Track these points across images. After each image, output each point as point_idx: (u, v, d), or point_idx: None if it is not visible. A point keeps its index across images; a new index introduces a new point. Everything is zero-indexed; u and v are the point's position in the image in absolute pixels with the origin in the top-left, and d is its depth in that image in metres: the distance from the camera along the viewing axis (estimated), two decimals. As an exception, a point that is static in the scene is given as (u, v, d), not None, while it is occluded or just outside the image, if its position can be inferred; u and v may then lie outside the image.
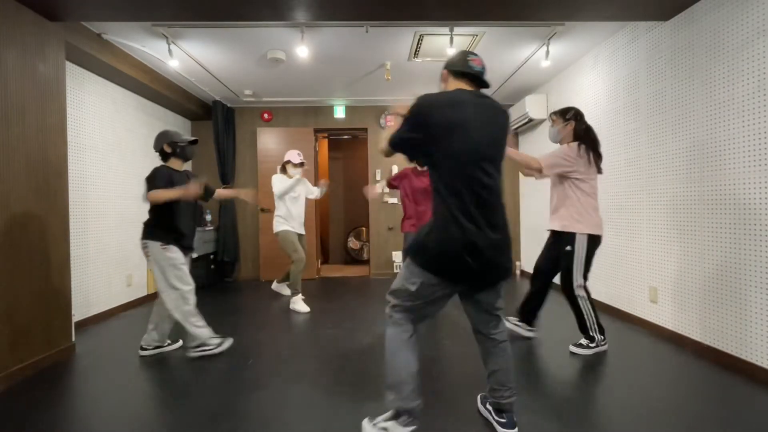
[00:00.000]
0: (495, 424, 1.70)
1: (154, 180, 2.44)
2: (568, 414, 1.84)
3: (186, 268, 2.58)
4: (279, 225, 3.84)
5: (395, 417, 1.56)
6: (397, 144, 1.56)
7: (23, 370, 2.34)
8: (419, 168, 3.37)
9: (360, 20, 2.89)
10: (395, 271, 5.62)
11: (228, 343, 2.66)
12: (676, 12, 2.68)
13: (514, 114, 5.06)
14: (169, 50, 3.34)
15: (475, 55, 1.62)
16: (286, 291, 4.34)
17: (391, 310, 1.63)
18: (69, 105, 3.20)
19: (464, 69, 1.58)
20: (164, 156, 2.60)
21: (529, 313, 2.85)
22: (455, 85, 1.60)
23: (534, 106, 4.65)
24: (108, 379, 2.31)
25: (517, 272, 5.61)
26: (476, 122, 1.47)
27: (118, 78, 3.70)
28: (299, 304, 3.81)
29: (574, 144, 2.49)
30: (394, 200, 5.62)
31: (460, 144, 1.45)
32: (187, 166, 5.30)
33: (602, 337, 2.57)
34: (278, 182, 3.80)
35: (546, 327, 3.10)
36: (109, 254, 3.73)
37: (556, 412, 1.86)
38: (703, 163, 2.52)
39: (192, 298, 2.56)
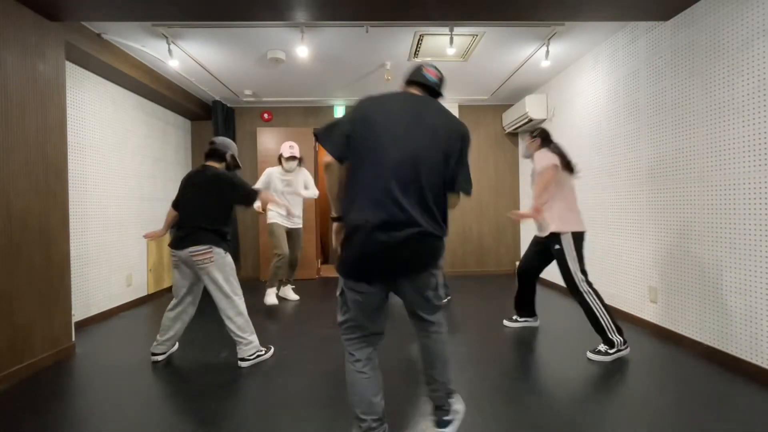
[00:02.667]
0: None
1: (245, 182, 2.52)
2: (567, 413, 1.84)
3: None
4: (270, 216, 3.88)
5: None
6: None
7: (23, 370, 2.34)
8: None
9: (360, 20, 2.89)
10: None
11: (272, 351, 2.63)
12: (676, 12, 2.68)
13: (514, 114, 5.06)
14: (169, 50, 3.34)
15: (433, 66, 1.57)
16: (292, 295, 4.22)
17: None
18: (69, 105, 3.20)
19: (416, 78, 1.55)
20: (219, 158, 2.54)
21: (527, 305, 3.10)
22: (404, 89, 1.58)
23: (534, 106, 4.65)
24: (108, 379, 2.31)
25: (517, 272, 5.61)
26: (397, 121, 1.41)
27: (118, 78, 3.70)
28: (270, 297, 3.87)
29: (543, 149, 2.67)
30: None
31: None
32: (186, 168, 5.36)
33: (622, 339, 2.45)
34: (263, 176, 3.89)
35: (544, 328, 3.10)
36: (109, 254, 3.73)
37: (555, 411, 1.86)
38: (703, 163, 2.52)
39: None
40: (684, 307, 2.68)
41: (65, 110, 2.71)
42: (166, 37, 3.23)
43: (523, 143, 5.55)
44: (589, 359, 2.46)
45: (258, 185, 3.80)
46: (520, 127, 5.16)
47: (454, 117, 1.51)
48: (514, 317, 3.16)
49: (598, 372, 2.30)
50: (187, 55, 3.63)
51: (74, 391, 2.18)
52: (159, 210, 4.63)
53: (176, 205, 2.55)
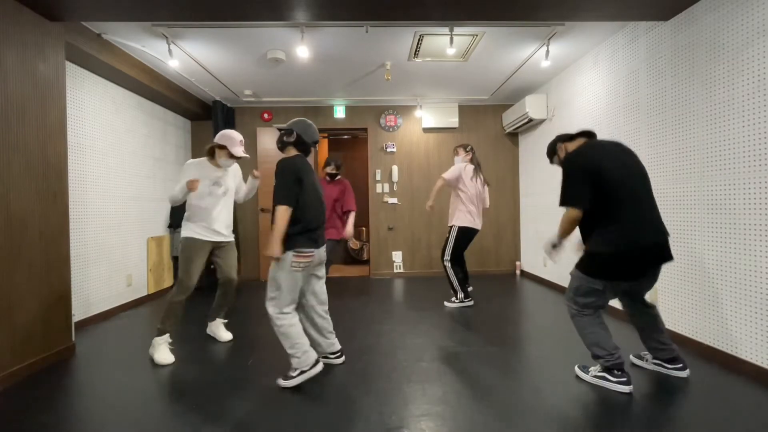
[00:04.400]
0: (671, 371, 2.20)
1: None
2: (566, 412, 1.84)
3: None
4: (184, 229, 2.71)
5: (607, 371, 2.05)
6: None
7: (23, 370, 2.34)
8: (329, 179, 4.09)
9: (360, 20, 2.89)
10: (395, 270, 5.62)
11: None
12: (676, 12, 2.68)
13: (514, 114, 5.07)
14: (169, 50, 3.34)
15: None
16: (224, 334, 2.97)
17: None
18: (69, 105, 3.20)
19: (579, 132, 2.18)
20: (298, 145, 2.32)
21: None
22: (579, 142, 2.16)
23: (534, 106, 4.65)
24: (108, 379, 2.31)
25: (517, 272, 5.62)
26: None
27: (118, 78, 3.70)
28: (162, 350, 2.55)
29: (464, 164, 3.82)
30: (394, 200, 5.62)
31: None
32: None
33: (464, 295, 3.82)
34: (185, 173, 2.67)
35: (545, 329, 3.10)
36: (109, 254, 3.73)
37: (554, 409, 1.86)
38: (703, 163, 2.52)
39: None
40: (684, 307, 2.68)
41: (65, 110, 2.71)
42: (166, 37, 3.23)
43: (524, 142, 5.55)
44: (446, 306, 3.82)
45: (179, 184, 2.61)
46: (520, 127, 5.16)
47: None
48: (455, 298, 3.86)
49: (598, 372, 2.30)
50: (187, 55, 3.63)
51: (74, 391, 2.18)
52: (159, 210, 4.63)
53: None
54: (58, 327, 2.62)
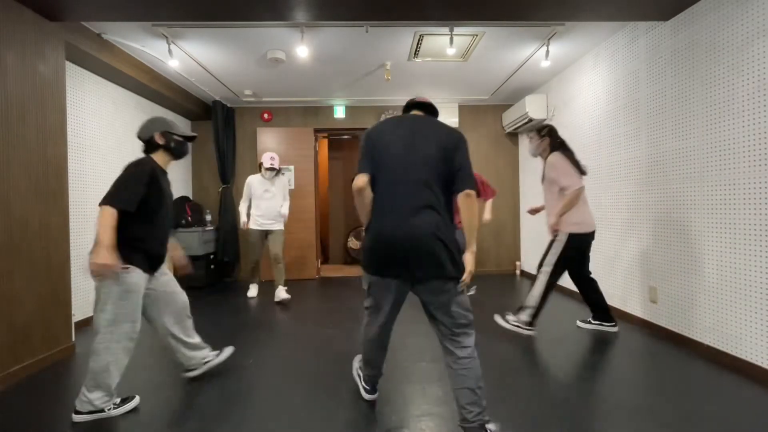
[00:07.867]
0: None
1: (123, 184, 1.91)
2: (566, 413, 1.84)
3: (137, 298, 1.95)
4: (249, 222, 4.29)
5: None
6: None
7: (23, 370, 2.34)
8: None
9: (360, 20, 2.89)
10: (395, 271, 5.61)
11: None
12: (676, 12, 2.68)
13: (514, 114, 5.06)
14: (169, 50, 3.34)
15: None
16: (284, 295, 4.11)
17: None
18: (69, 105, 3.20)
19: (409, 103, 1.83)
20: (151, 147, 2.07)
21: (602, 310, 2.99)
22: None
23: (534, 106, 4.65)
24: (108, 379, 2.31)
25: (517, 272, 5.61)
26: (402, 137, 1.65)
27: (118, 78, 3.70)
28: (251, 291, 4.46)
29: (558, 154, 2.77)
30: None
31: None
32: (186, 168, 5.36)
33: (533, 324, 2.97)
34: (245, 187, 4.26)
35: (544, 331, 3.10)
36: (109, 254, 3.73)
37: (554, 411, 1.86)
38: (703, 162, 2.52)
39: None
40: (684, 307, 2.68)
41: (65, 110, 2.71)
42: (166, 37, 3.23)
43: (526, 141, 5.56)
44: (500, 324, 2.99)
45: (244, 197, 4.26)
46: (520, 127, 5.16)
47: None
48: (588, 318, 3.11)
49: (597, 371, 2.30)
50: (187, 55, 3.63)
51: (74, 391, 2.17)
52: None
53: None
54: (58, 327, 2.61)
